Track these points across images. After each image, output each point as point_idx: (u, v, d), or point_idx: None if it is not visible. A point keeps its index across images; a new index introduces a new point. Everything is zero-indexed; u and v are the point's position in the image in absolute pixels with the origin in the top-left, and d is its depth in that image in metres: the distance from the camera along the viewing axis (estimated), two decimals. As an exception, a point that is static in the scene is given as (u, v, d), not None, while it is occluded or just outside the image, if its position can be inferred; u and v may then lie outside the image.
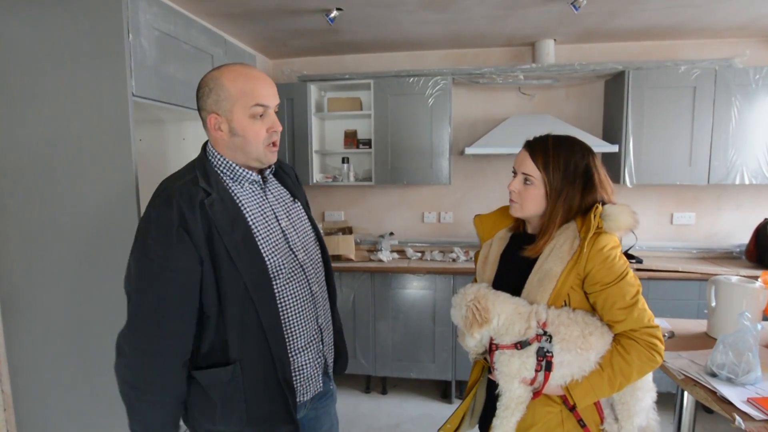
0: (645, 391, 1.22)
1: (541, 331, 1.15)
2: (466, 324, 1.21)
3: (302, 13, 2.69)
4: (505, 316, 1.17)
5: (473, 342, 1.23)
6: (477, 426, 1.41)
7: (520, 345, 1.16)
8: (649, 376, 1.23)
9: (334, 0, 2.51)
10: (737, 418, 1.26)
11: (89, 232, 1.54)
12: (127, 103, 1.47)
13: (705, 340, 1.79)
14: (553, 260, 1.17)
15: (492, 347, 1.22)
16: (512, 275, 1.26)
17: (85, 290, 1.56)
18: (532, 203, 1.23)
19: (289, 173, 1.46)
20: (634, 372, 1.13)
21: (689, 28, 3.02)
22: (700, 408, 2.63)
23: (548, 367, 1.14)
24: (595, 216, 1.15)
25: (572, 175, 1.20)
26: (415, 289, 3.18)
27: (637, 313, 1.13)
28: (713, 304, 1.82)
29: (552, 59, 3.27)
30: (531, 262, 1.22)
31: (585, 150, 1.23)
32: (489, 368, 1.30)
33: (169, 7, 1.70)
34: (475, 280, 1.43)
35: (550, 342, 1.14)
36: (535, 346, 1.15)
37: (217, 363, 1.21)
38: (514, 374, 1.16)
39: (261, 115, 1.20)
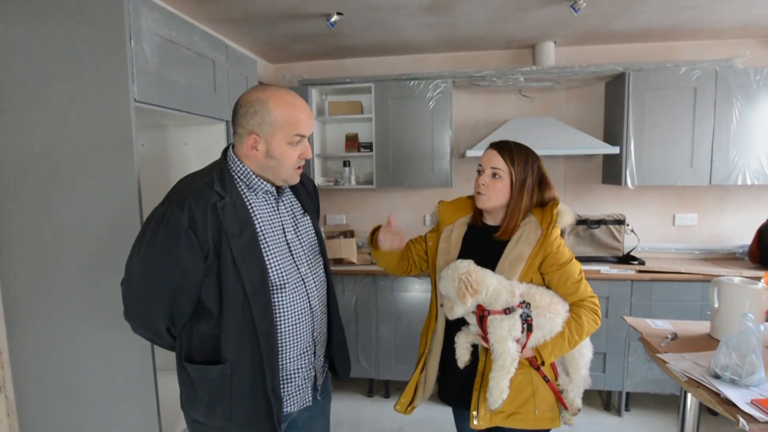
0: (587, 348, 1.53)
1: (521, 300, 1.39)
2: (459, 294, 1.39)
3: (303, 17, 2.70)
4: (492, 288, 1.39)
5: (462, 309, 1.42)
6: (437, 396, 1.63)
7: (508, 310, 1.38)
8: (588, 337, 1.52)
9: (334, 4, 2.53)
10: (741, 420, 1.26)
11: (92, 237, 1.55)
12: (129, 109, 1.48)
13: (708, 342, 1.78)
14: (522, 246, 1.44)
15: (484, 314, 1.41)
16: (474, 259, 1.46)
17: (89, 295, 1.57)
18: (498, 195, 1.47)
19: (306, 185, 1.51)
20: (584, 331, 1.43)
21: (689, 29, 3.02)
22: (704, 410, 2.62)
23: (530, 329, 1.40)
24: (554, 211, 1.44)
25: (530, 170, 1.47)
26: (417, 291, 3.18)
27: (583, 287, 1.45)
28: (716, 305, 1.81)
29: (552, 61, 3.28)
30: (495, 250, 1.47)
31: (535, 155, 1.51)
32: (449, 339, 1.54)
33: (171, 13, 1.71)
34: (418, 240, 1.69)
35: (528, 308, 1.40)
36: (519, 311, 1.39)
37: (208, 359, 1.25)
38: (505, 335, 1.38)
39: (297, 142, 1.27)
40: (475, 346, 1.49)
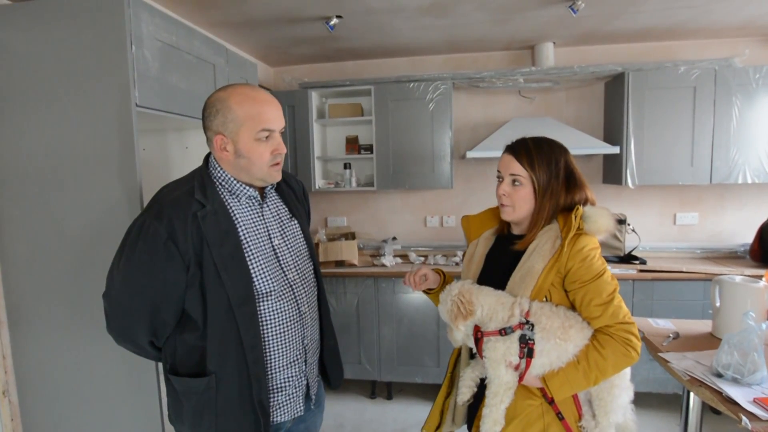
0: (622, 388, 1.26)
1: (523, 320, 1.21)
2: (451, 317, 1.26)
3: (302, 21, 2.71)
4: (488, 306, 1.24)
5: (460, 335, 1.29)
6: (465, 426, 1.45)
7: (504, 331, 1.21)
8: (627, 374, 1.28)
9: (333, 8, 2.54)
10: (743, 418, 1.26)
11: (95, 241, 1.55)
12: (130, 113, 1.49)
13: (710, 341, 1.78)
14: (535, 258, 1.24)
15: (478, 335, 1.26)
16: (496, 274, 1.31)
17: (92, 300, 1.57)
18: (524, 203, 1.29)
19: (294, 188, 1.47)
20: (609, 366, 1.18)
21: (687, 28, 3.03)
22: (707, 409, 2.62)
23: (530, 354, 1.20)
24: (575, 217, 1.22)
25: (555, 170, 1.27)
26: (418, 293, 3.17)
27: (613, 310, 1.19)
28: (717, 304, 1.81)
29: (551, 62, 3.29)
30: (514, 263, 1.28)
31: (561, 148, 1.31)
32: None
33: (171, 18, 1.72)
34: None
35: (531, 330, 1.20)
36: (518, 333, 1.21)
37: (194, 371, 1.22)
38: (500, 359, 1.21)
39: (266, 137, 1.23)
40: (483, 380, 1.32)
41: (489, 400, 1.23)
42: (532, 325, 1.20)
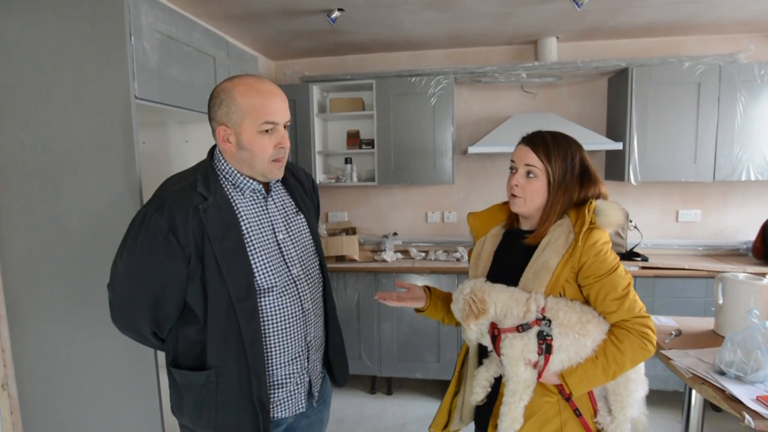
0: (638, 383, 1.25)
1: (540, 316, 1.18)
2: (463, 316, 1.24)
3: (304, 14, 2.69)
4: (502, 303, 1.21)
5: (474, 334, 1.27)
6: (473, 423, 1.43)
7: (522, 328, 1.19)
8: (642, 369, 1.27)
9: (335, 0, 2.51)
10: (747, 416, 1.25)
11: (94, 235, 1.54)
12: (129, 106, 1.47)
13: (713, 338, 1.77)
14: (549, 253, 1.21)
15: (495, 332, 1.24)
16: (506, 271, 1.29)
17: (91, 293, 1.57)
18: (536, 196, 1.26)
19: (303, 181, 1.45)
20: (627, 360, 1.17)
21: (692, 23, 3.00)
22: (709, 407, 2.61)
23: (548, 350, 1.18)
24: (588, 211, 1.20)
25: (571, 165, 1.25)
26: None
27: (629, 304, 1.17)
28: (720, 301, 1.80)
29: (554, 57, 3.26)
30: (525, 259, 1.26)
31: (577, 144, 1.29)
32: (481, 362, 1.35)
33: (171, 10, 1.70)
34: None
35: (549, 326, 1.18)
36: (535, 330, 1.18)
37: (194, 365, 1.22)
38: (518, 356, 1.19)
39: (270, 130, 1.21)
40: (497, 380, 1.30)
41: (507, 399, 1.20)
42: (549, 321, 1.18)
